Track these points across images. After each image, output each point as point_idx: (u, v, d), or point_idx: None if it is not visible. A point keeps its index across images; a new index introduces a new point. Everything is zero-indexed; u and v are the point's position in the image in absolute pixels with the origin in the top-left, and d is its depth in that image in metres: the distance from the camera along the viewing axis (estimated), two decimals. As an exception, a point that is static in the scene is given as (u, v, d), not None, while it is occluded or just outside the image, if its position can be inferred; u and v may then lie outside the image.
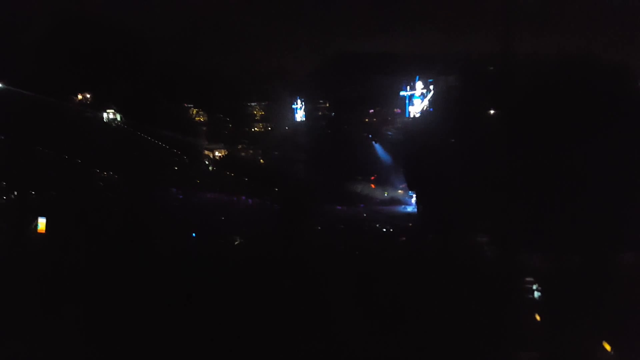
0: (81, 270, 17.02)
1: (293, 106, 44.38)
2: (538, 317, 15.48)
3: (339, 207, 34.53)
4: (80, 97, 35.38)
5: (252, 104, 44.89)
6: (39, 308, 14.01)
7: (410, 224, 30.82)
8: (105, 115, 35.03)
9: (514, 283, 17.50)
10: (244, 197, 35.32)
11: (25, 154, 25.62)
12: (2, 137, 25.09)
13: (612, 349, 12.98)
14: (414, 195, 33.65)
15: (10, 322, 12.93)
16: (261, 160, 41.68)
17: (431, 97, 38.66)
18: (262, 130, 44.76)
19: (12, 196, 24.80)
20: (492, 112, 26.95)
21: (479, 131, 24.16)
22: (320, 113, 44.85)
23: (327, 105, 44.72)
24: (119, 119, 34.80)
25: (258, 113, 45.26)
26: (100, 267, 17.16)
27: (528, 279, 17.41)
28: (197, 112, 41.84)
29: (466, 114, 26.43)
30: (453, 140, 25.34)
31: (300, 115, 44.57)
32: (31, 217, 22.09)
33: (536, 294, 16.91)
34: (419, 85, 40.19)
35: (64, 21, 27.73)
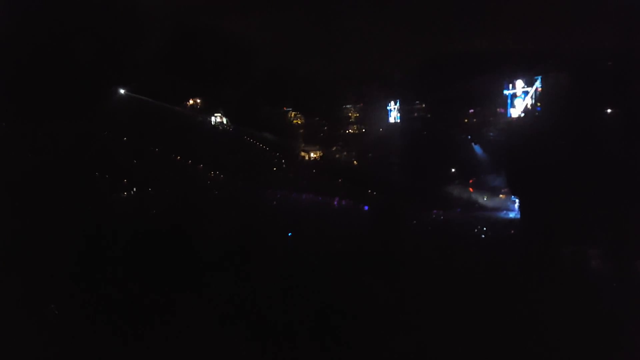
0: (195, 260, 18.18)
1: (387, 107, 44.04)
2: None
3: (434, 211, 33.50)
4: (191, 102, 38.59)
5: (347, 106, 45.43)
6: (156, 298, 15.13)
7: (512, 232, 28.99)
8: (213, 119, 37.78)
9: (628, 299, 15.77)
10: (338, 198, 35.74)
11: (143, 154, 28.39)
12: (125, 139, 28.09)
13: None
14: (517, 201, 31.61)
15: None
16: (355, 162, 41.95)
17: (536, 95, 35.98)
18: (357, 132, 45.07)
19: (132, 192, 27.57)
20: (608, 111, 24.61)
21: (592, 133, 22.21)
22: (415, 114, 43.99)
23: (423, 106, 43.71)
24: (225, 122, 37.34)
25: (353, 115, 45.65)
26: (209, 256, 18.30)
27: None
28: (295, 115, 43.39)
29: (579, 114, 24.34)
30: (563, 143, 23.46)
31: (394, 117, 44.08)
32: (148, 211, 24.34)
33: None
34: (520, 83, 37.52)
35: (177, 35, 30.29)
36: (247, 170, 31.88)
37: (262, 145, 36.47)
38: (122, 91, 30.69)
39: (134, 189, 27.40)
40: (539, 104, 34.50)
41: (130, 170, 27.73)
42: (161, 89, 29.94)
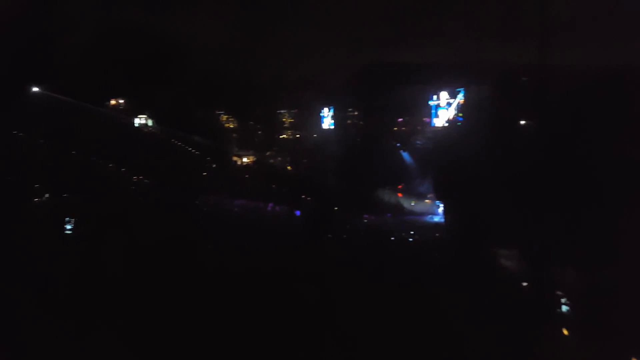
0: (112, 273, 17.31)
1: (320, 114, 44.55)
2: (566, 332, 15.01)
3: (366, 216, 34.28)
4: (114, 102, 36.77)
5: (282, 111, 45.42)
6: (63, 310, 14.26)
7: (437, 235, 30.33)
8: (137, 120, 36.23)
9: (543, 296, 17.02)
10: (271, 204, 35.58)
11: (59, 157, 26.70)
12: (40, 141, 26.29)
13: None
14: (441, 206, 33.11)
15: (32, 323, 13.19)
16: (289, 168, 41.99)
17: (459, 107, 38.07)
18: (291, 137, 45.15)
19: (45, 198, 25.85)
20: (524, 122, 26.36)
21: (510, 142, 23.69)
22: (349, 121, 44.83)
23: (356, 113, 44.67)
24: (150, 124, 35.93)
25: (287, 120, 45.69)
26: (129, 269, 17.48)
27: (557, 292, 16.92)
28: (227, 118, 42.69)
29: (497, 125, 25.94)
30: (483, 151, 24.86)
31: (327, 123, 44.67)
32: (63, 219, 22.84)
33: (564, 308, 16.42)
34: (444, 95, 39.69)
35: (100, 29, 28.91)
36: (175, 174, 30.84)
37: (192, 149, 35.51)
38: (36, 89, 28.81)
39: (47, 195, 25.78)
40: (460, 115, 36.43)
41: (44, 174, 26.02)
42: (81, 87, 28.31)
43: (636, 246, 15.89)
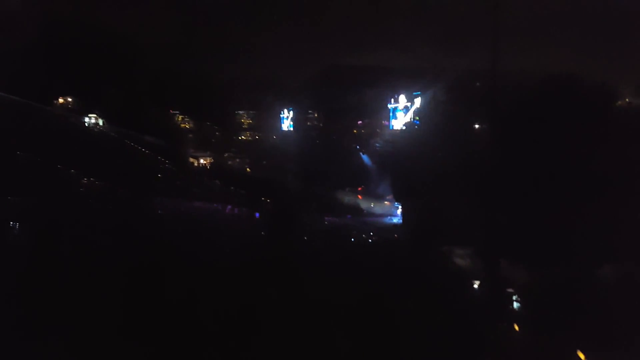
0: (60, 278, 16.59)
1: (280, 115, 44.44)
2: (517, 327, 15.58)
3: (326, 218, 34.39)
4: (62, 100, 35.21)
5: (241, 112, 44.95)
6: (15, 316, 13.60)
7: (396, 235, 30.79)
8: (87, 120, 34.84)
9: (494, 293, 17.61)
10: (229, 206, 35.06)
11: (3, 158, 25.31)
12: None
13: (585, 358, 13.12)
14: (400, 207, 33.67)
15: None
16: (248, 169, 41.56)
17: (416, 110, 38.93)
18: (250, 138, 44.75)
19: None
20: (477, 126, 27.21)
21: (464, 145, 24.37)
22: (309, 123, 44.95)
23: (316, 115, 44.86)
24: (101, 123, 34.62)
25: (246, 122, 45.27)
26: (80, 274, 16.79)
27: (508, 289, 17.57)
28: (183, 118, 41.78)
29: (451, 128, 26.67)
30: (438, 154, 25.47)
31: (287, 125, 44.61)
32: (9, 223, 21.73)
33: (515, 305, 17.07)
34: (403, 98, 40.52)
35: (49, 24, 27.63)
36: (127, 176, 29.81)
37: (146, 150, 34.42)
38: None
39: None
40: (417, 118, 37.28)
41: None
42: (26, 85, 26.92)
43: (582, 244, 16.75)
